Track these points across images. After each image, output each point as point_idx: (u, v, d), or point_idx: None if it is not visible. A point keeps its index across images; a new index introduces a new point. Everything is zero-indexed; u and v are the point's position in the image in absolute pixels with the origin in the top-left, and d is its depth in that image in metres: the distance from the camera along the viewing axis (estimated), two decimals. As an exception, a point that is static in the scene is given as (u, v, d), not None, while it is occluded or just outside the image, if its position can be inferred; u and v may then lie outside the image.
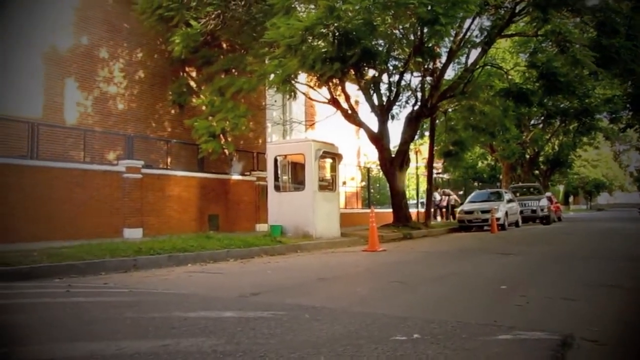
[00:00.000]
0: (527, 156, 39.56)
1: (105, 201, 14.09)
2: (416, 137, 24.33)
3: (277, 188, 15.10)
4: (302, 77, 18.80)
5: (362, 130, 22.63)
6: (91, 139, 16.23)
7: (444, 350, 3.14)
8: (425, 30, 16.46)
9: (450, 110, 24.76)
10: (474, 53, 21.05)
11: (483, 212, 22.37)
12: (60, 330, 3.61)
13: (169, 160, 18.31)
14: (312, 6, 15.86)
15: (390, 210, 21.08)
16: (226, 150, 17.86)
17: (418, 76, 21.74)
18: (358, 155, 31.65)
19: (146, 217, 15.03)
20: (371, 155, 31.81)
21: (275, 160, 15.18)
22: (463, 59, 22.59)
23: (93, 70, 17.27)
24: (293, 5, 15.55)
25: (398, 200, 20.27)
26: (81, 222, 13.46)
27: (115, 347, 3.09)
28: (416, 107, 21.21)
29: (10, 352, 3.02)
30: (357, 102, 22.13)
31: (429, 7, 13.89)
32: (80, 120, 16.66)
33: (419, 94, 21.75)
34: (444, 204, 31.31)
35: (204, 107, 18.07)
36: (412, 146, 23.64)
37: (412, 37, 18.08)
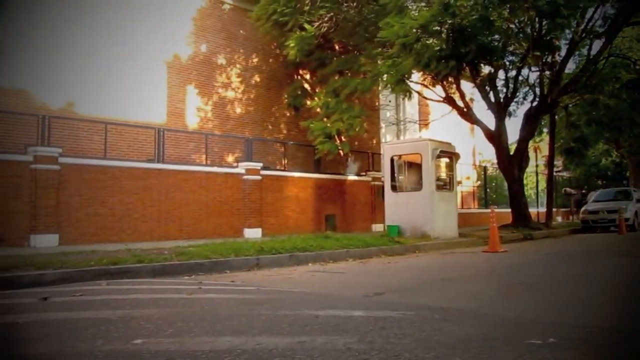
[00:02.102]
0: (658, 152, 37.00)
1: (226, 202, 14.58)
2: (535, 134, 23.41)
3: (393, 188, 15.06)
4: (416, 76, 18.63)
5: (476, 129, 22.15)
6: (211, 142, 16.85)
7: (585, 358, 3.00)
8: (544, 22, 15.86)
9: (571, 105, 23.69)
10: (598, 44, 19.98)
11: (609, 212, 21.19)
12: (200, 324, 3.76)
13: (285, 161, 18.69)
14: (424, 4, 15.67)
15: (508, 210, 20.47)
16: (341, 151, 17.98)
17: (536, 71, 20.98)
18: (473, 154, 30.94)
19: (265, 218, 15.40)
20: (486, 153, 31.01)
21: (392, 160, 15.14)
22: (585, 51, 21.45)
23: (211, 76, 17.94)
24: (406, 5, 15.44)
25: (517, 200, 19.65)
26: (204, 222, 14.01)
27: (255, 342, 3.18)
28: (535, 103, 20.47)
29: (149, 343, 3.18)
30: (471, 100, 21.63)
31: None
32: (201, 124, 17.36)
33: (538, 90, 20.96)
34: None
35: (318, 109, 18.30)
36: (530, 144, 22.81)
37: (529, 31, 17.44)
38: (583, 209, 23.62)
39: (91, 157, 12.94)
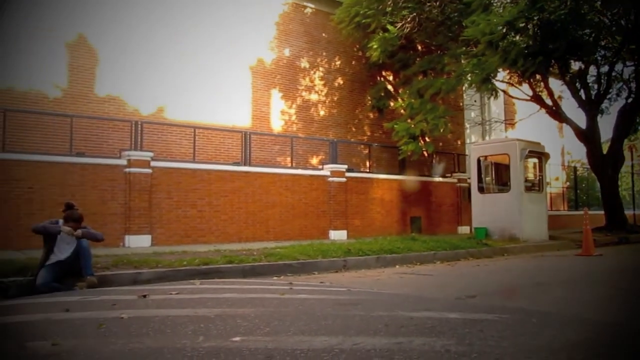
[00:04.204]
0: None
1: (311, 204, 14.68)
2: (630, 132, 22.36)
3: (480, 190, 14.78)
4: (501, 74, 18.21)
5: (565, 128, 21.43)
6: (296, 145, 17.02)
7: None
8: (640, 14, 15.18)
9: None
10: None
11: None
12: (295, 323, 3.79)
13: (370, 163, 18.66)
14: (509, 0, 15.28)
15: (600, 212, 19.69)
16: (426, 152, 17.79)
17: (631, 65, 19.99)
18: (562, 154, 29.92)
19: (350, 219, 15.41)
20: (575, 153, 29.90)
21: (479, 161, 14.87)
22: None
23: (295, 79, 18.13)
24: (491, 2, 15.12)
25: (611, 201, 18.84)
26: (290, 224, 14.15)
27: (352, 342, 3.17)
28: (630, 100, 19.56)
29: (248, 341, 3.24)
30: (560, 98, 20.93)
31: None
32: (285, 127, 17.57)
33: (633, 85, 20.01)
34: None
35: (402, 110, 18.15)
36: (625, 142, 21.82)
37: (623, 23, 16.70)
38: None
39: (181, 161, 13.34)
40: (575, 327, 3.87)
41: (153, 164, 12.04)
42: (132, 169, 11.66)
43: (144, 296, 5.07)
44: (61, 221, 6.62)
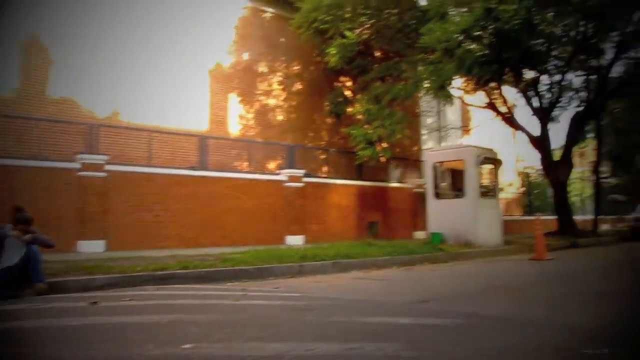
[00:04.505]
0: None
1: (268, 209, 14.63)
2: (580, 139, 22.96)
3: (436, 195, 14.95)
4: (457, 82, 18.47)
5: (518, 135, 21.83)
6: (254, 149, 16.96)
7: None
8: (590, 25, 15.58)
9: (618, 110, 23.18)
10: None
11: (659, 219, 20.67)
12: (249, 330, 3.76)
13: (327, 168, 18.70)
14: (465, 9, 15.51)
15: (552, 217, 20.13)
16: (383, 158, 17.91)
17: (581, 75, 20.54)
18: (516, 161, 30.50)
19: (307, 225, 15.40)
20: (529, 160, 30.54)
21: (434, 167, 15.03)
22: (632, 54, 20.97)
23: (253, 84, 18.05)
24: (447, 11, 15.34)
25: (562, 207, 19.30)
26: (247, 229, 14.05)
27: (304, 348, 3.16)
28: (580, 108, 20.08)
29: (199, 348, 3.20)
30: (514, 105, 21.36)
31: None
32: (243, 132, 17.47)
33: (583, 94, 20.55)
34: None
35: (360, 116, 18.25)
36: (575, 149, 22.38)
37: (574, 34, 17.14)
38: (632, 216, 23.04)
39: (136, 165, 13.13)
40: (525, 330, 3.93)
41: (108, 167, 11.85)
42: (86, 173, 11.47)
43: (95, 303, 4.96)
44: (10, 226, 6.43)
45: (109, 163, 11.92)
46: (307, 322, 4.12)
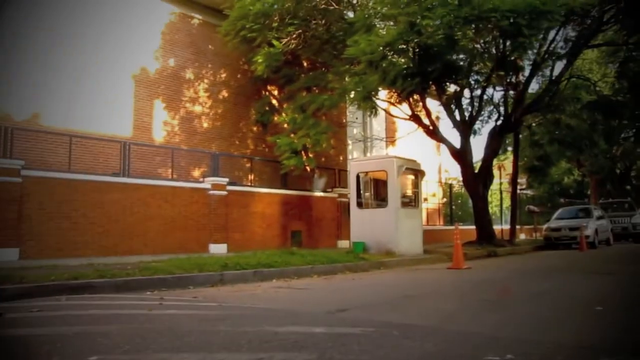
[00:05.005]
0: (618, 171, 37.80)
1: (191, 217, 14.47)
2: (499, 152, 23.81)
3: (359, 205, 15.13)
4: (383, 93, 18.81)
5: (443, 146, 22.40)
6: (178, 157, 16.75)
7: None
8: (508, 43, 16.19)
9: (534, 124, 24.17)
10: (559, 65, 20.49)
11: (571, 229, 21.61)
12: (158, 341, 3.71)
13: (252, 177, 18.65)
14: (392, 23, 15.84)
15: (473, 227, 20.71)
16: (308, 167, 18.03)
17: (501, 90, 21.35)
18: (439, 172, 31.28)
19: (231, 233, 15.31)
20: (452, 171, 31.40)
21: (358, 177, 15.23)
22: (547, 72, 21.95)
23: (179, 90, 17.87)
24: (374, 23, 15.62)
25: (481, 217, 19.90)
26: (169, 237, 13.86)
27: (213, 359, 3.16)
28: (499, 122, 20.82)
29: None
30: (437, 118, 21.94)
31: (512, 20, 13.62)
32: (167, 139, 17.26)
33: (502, 109, 21.34)
34: None
35: (286, 125, 18.35)
36: (495, 162, 23.17)
37: (494, 51, 17.78)
38: (546, 226, 24.04)
39: (55, 170, 12.75)
40: (434, 338, 4.01)
41: (24, 172, 11.43)
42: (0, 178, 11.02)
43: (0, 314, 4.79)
44: None
45: (25, 168, 11.50)
46: (218, 332, 4.10)
